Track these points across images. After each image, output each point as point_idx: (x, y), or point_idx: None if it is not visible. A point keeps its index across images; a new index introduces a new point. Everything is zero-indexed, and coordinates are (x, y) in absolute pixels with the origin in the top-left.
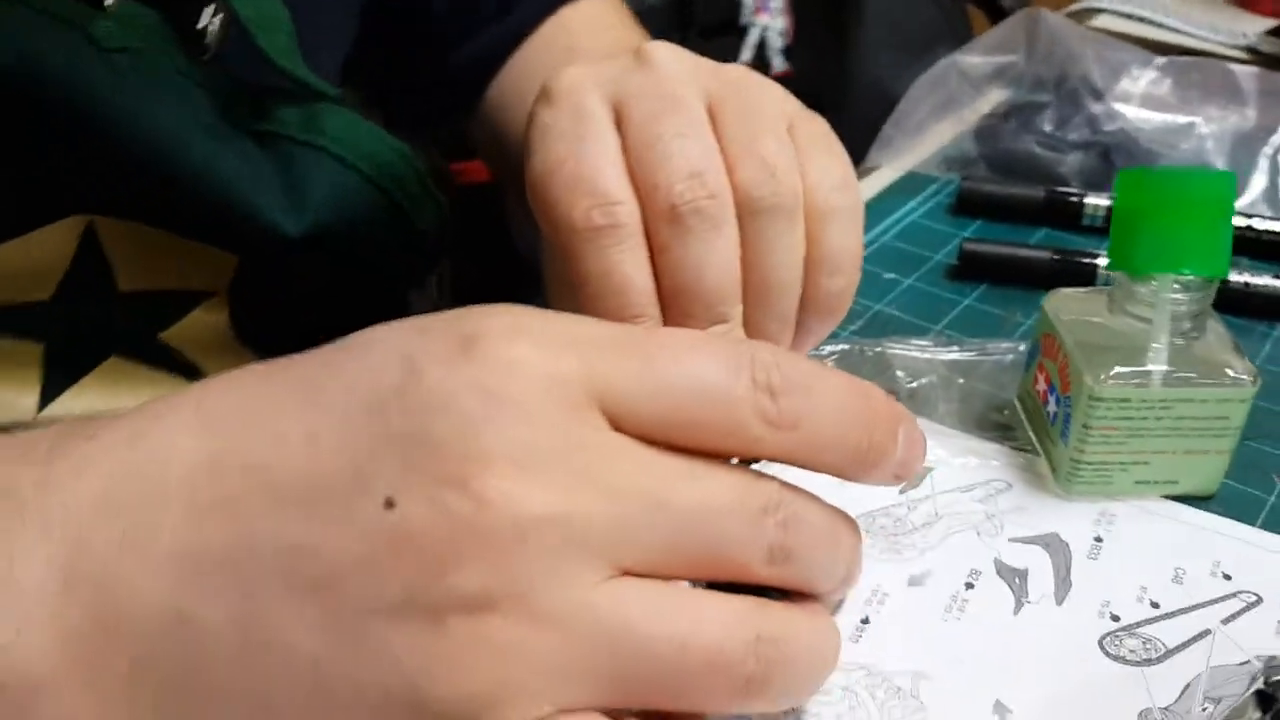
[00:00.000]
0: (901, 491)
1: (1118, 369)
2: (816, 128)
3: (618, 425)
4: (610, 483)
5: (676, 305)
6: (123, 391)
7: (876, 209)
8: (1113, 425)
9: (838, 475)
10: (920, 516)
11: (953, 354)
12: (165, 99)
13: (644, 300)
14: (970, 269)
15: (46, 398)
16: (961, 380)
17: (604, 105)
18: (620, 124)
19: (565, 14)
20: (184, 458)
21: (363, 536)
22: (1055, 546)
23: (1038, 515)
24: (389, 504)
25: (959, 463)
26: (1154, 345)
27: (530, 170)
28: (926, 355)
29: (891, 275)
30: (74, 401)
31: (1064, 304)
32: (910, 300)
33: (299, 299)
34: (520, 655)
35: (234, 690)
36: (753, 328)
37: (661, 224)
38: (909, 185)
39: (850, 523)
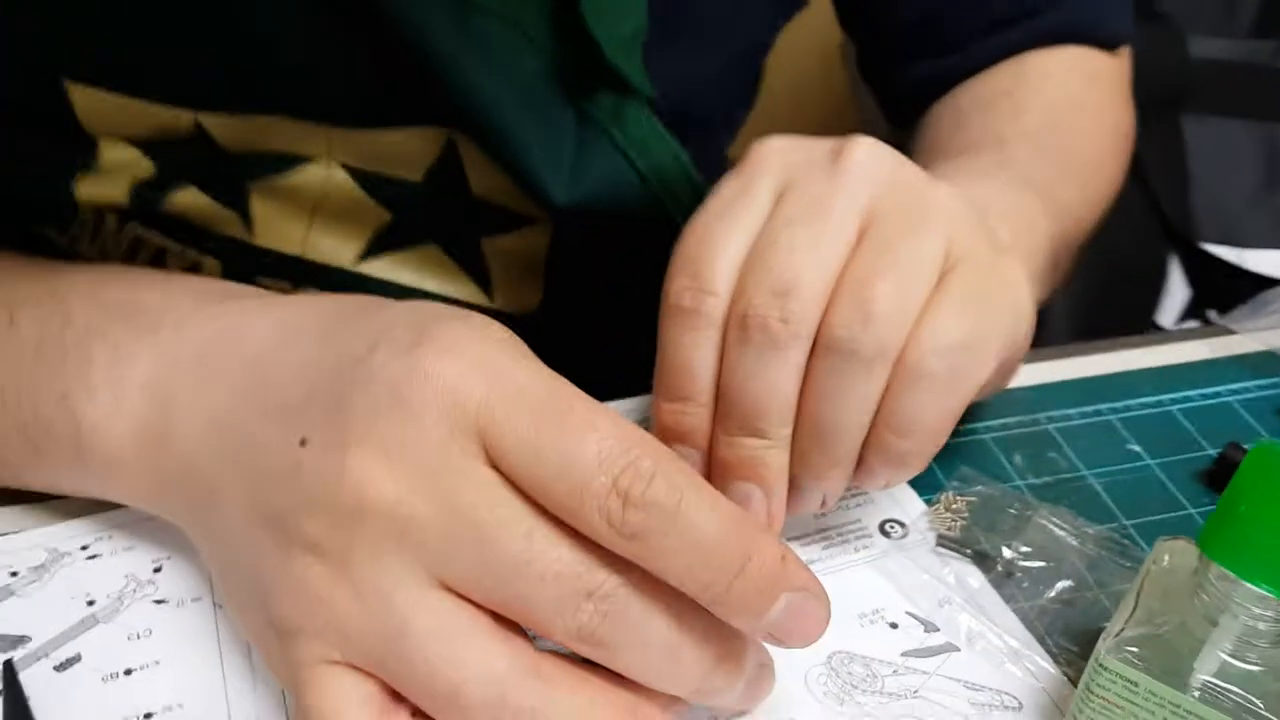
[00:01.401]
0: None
1: (1139, 648)
2: (970, 281)
3: (494, 463)
4: (455, 503)
5: (721, 405)
6: (426, 275)
7: (1187, 374)
8: (1115, 703)
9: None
10: (898, 685)
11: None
12: (498, 59)
13: (696, 388)
14: (1224, 477)
15: (367, 254)
16: (1073, 585)
17: (771, 191)
18: (772, 213)
19: (1030, 60)
20: (243, 352)
21: (281, 454)
22: None
23: None
24: (302, 441)
25: (986, 651)
26: (1205, 650)
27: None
28: (1072, 541)
29: (1136, 448)
30: (382, 266)
31: (1177, 553)
32: (1132, 484)
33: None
34: (324, 606)
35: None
36: (800, 456)
37: (733, 326)
38: (1256, 364)
39: (715, 648)
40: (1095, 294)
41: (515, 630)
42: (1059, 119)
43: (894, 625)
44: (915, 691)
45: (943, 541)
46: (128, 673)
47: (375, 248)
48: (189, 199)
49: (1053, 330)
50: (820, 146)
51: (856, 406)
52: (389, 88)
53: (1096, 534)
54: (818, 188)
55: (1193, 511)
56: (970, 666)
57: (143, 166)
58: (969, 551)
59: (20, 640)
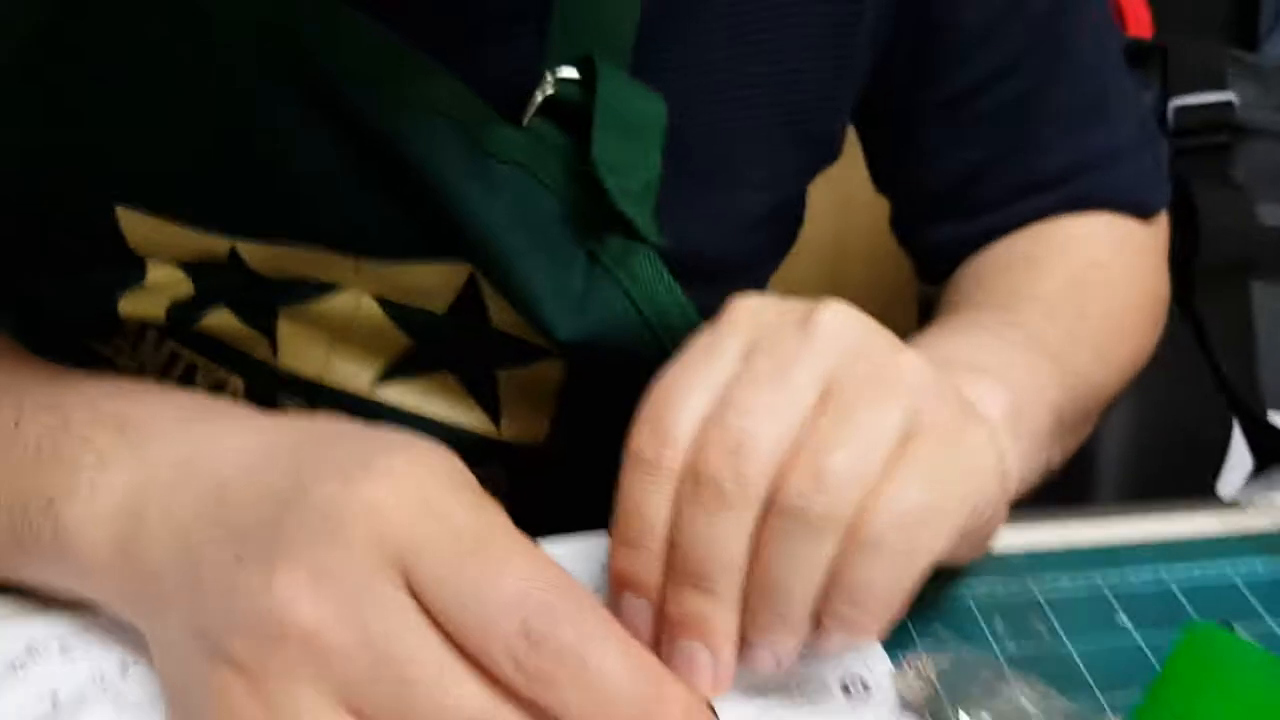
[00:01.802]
0: None
1: None
2: (931, 450)
3: (416, 595)
4: (372, 632)
5: (671, 558)
6: (438, 401)
7: (1192, 549)
8: None
9: None
10: None
11: None
12: (514, 201)
13: (649, 537)
14: None
15: (383, 379)
16: None
17: (739, 349)
18: (737, 373)
19: (1057, 225)
20: (211, 472)
21: (220, 570)
22: None
23: None
24: (237, 559)
25: None
26: None
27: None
28: (1038, 716)
29: (1125, 622)
30: (397, 391)
31: None
32: (1115, 659)
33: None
34: (235, 714)
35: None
36: (751, 614)
37: (686, 481)
38: (1268, 544)
39: None
40: (1156, 460)
41: None
42: (1080, 283)
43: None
44: None
45: (906, 706)
46: None
47: (391, 373)
48: (221, 320)
49: (1105, 493)
50: (791, 309)
51: (806, 570)
52: (411, 223)
53: (1066, 709)
54: (783, 350)
55: None
56: None
57: (183, 288)
58: (930, 718)
59: None
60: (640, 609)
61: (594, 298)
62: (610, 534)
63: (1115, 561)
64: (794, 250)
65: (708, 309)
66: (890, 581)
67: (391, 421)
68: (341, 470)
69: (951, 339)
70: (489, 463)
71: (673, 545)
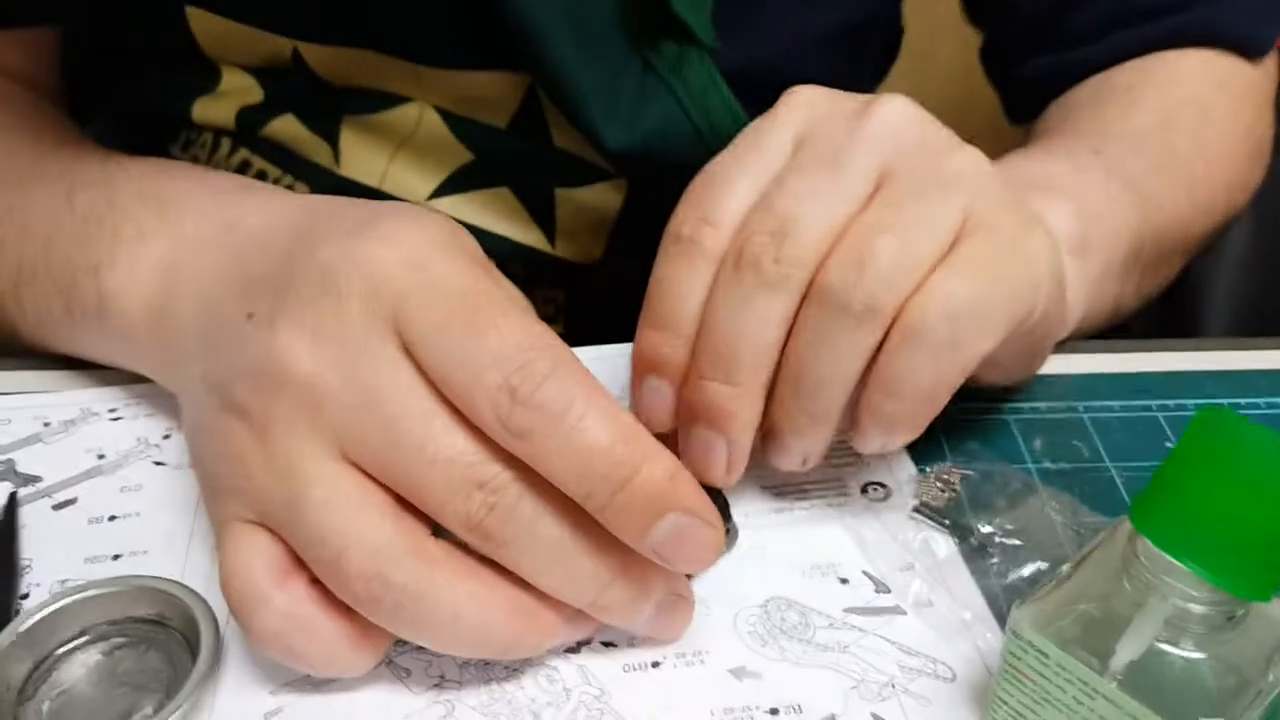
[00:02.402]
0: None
1: (1058, 619)
2: (984, 248)
3: (408, 350)
4: (365, 383)
5: (699, 343)
6: (493, 216)
7: (1259, 381)
8: (1028, 676)
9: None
10: (830, 638)
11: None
12: (569, 11)
13: (678, 319)
14: None
15: (441, 191)
16: (1047, 567)
17: (791, 138)
18: (792, 157)
19: (1159, 60)
20: (236, 241)
21: (233, 327)
22: None
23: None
24: (249, 316)
25: (934, 620)
26: (1130, 632)
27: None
28: (1064, 528)
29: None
30: (452, 203)
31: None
32: None
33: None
34: (242, 466)
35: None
36: (780, 408)
37: (726, 261)
38: None
39: (612, 562)
40: (1270, 298)
41: (417, 517)
42: (1175, 120)
43: (844, 581)
44: (845, 647)
45: (921, 508)
46: (111, 519)
47: (449, 186)
48: (287, 126)
49: (1214, 329)
50: (848, 99)
51: (841, 360)
52: (469, 28)
53: (1095, 524)
54: (837, 139)
55: None
56: (912, 632)
57: (253, 94)
58: (946, 522)
59: (32, 479)
60: (660, 392)
61: (646, 107)
62: (640, 317)
63: (1175, 390)
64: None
65: None
66: (931, 375)
67: None
68: (345, 232)
69: (1028, 161)
70: (546, 283)
71: (702, 329)
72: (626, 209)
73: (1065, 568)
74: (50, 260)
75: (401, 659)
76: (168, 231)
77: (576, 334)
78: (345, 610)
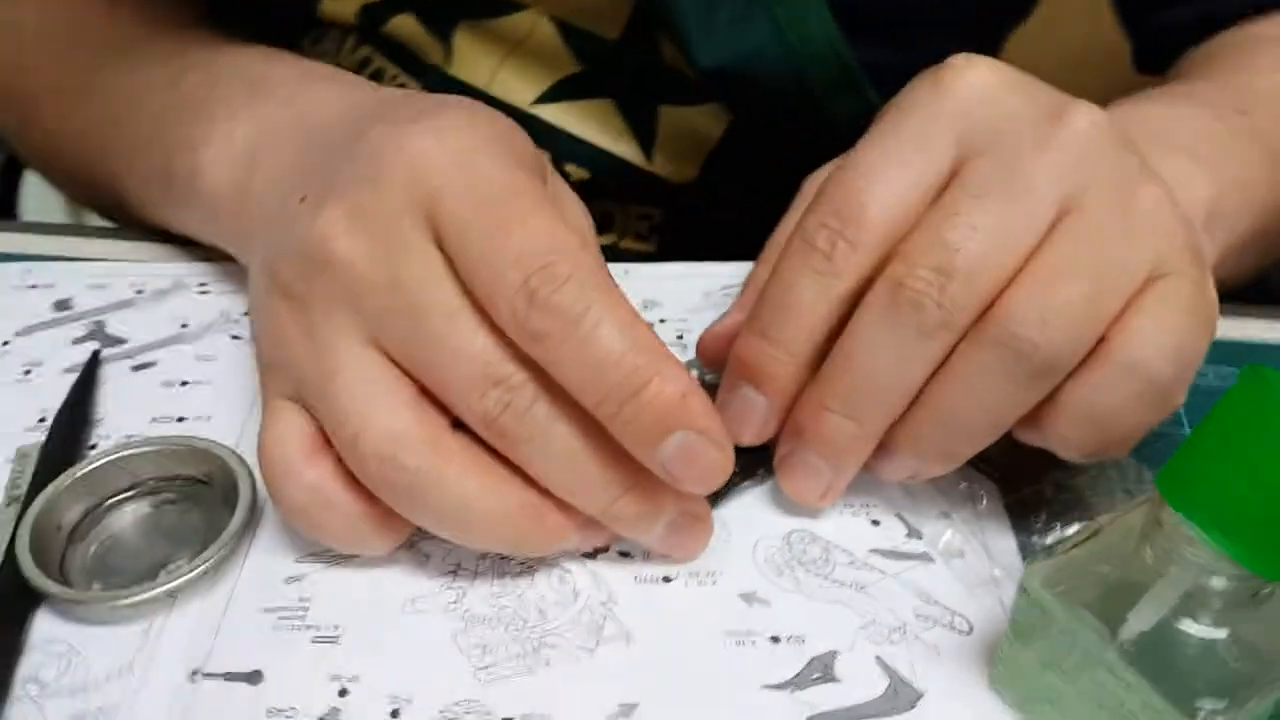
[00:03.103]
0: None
1: (1069, 579)
2: (1180, 297)
3: (440, 243)
4: (396, 273)
5: (827, 367)
6: (593, 126)
7: None
8: (1032, 633)
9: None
10: (848, 575)
11: None
12: None
13: (793, 337)
14: None
15: (545, 98)
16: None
17: (955, 142)
18: (958, 165)
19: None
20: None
21: (288, 208)
22: None
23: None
24: (302, 199)
25: (962, 571)
26: (1144, 602)
27: None
28: (1123, 492)
29: None
30: (554, 110)
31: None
32: None
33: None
34: (285, 344)
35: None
36: (912, 432)
37: (880, 288)
38: None
39: (624, 473)
40: None
41: (441, 411)
42: None
43: (876, 522)
44: (863, 587)
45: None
46: (184, 384)
47: (554, 94)
48: (406, 24)
49: None
50: (1033, 101)
51: (1003, 409)
52: None
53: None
54: (1023, 155)
55: None
56: (935, 581)
57: None
58: (997, 473)
59: (119, 341)
60: (755, 405)
61: (746, 27)
62: (750, 314)
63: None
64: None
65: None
66: (1143, 416)
67: (547, 137)
68: (395, 121)
69: (1170, 109)
70: (641, 200)
71: (837, 356)
72: (729, 133)
73: (1091, 525)
74: (156, 136)
75: (424, 544)
76: (255, 114)
77: (670, 253)
78: (368, 492)
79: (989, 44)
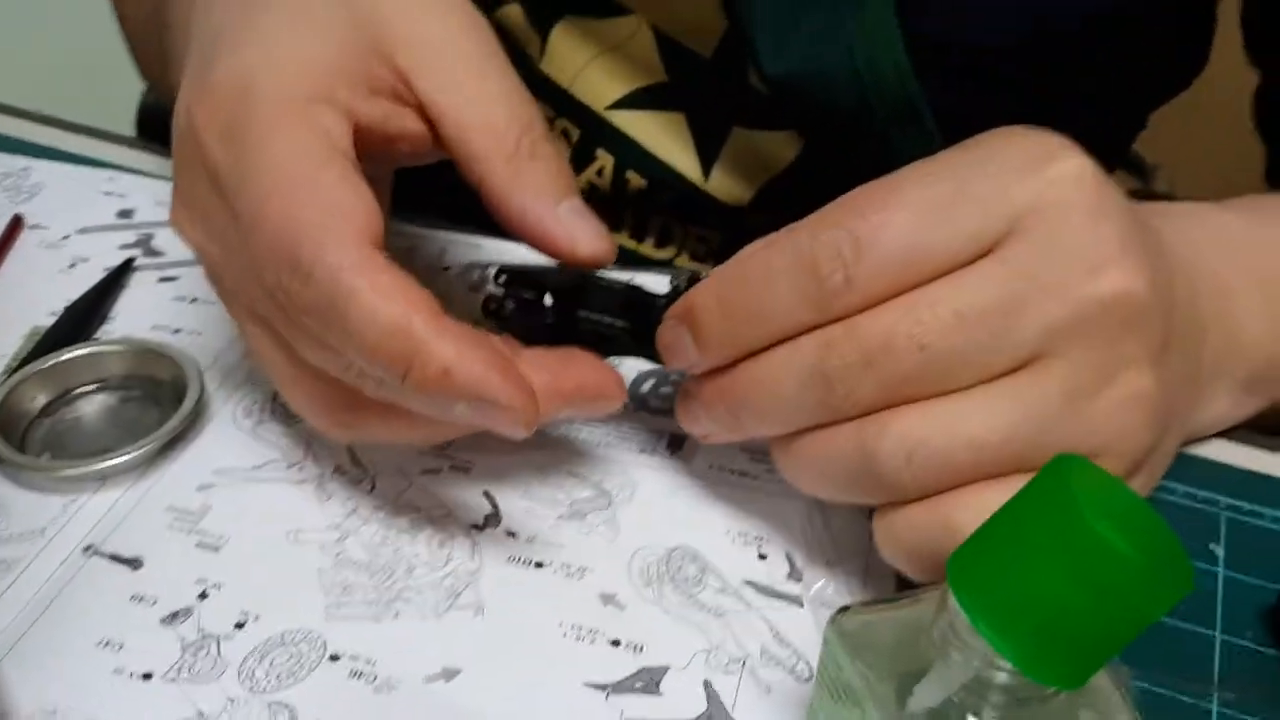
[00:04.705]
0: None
1: (866, 635)
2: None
3: None
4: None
5: (742, 374)
6: (659, 136)
7: None
8: (829, 686)
9: None
10: (713, 600)
11: None
12: None
13: (746, 338)
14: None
15: (619, 104)
16: None
17: (1003, 228)
18: (990, 249)
19: None
20: None
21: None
22: None
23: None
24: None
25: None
26: (927, 680)
27: None
28: None
29: (1218, 550)
30: (627, 116)
31: None
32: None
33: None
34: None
35: None
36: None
37: (813, 342)
38: None
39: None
40: None
41: None
42: None
43: (763, 556)
44: (722, 614)
45: None
46: (194, 300)
47: (632, 100)
48: (512, 13)
49: None
50: (1088, 241)
51: (831, 480)
52: None
53: None
54: (1031, 299)
55: (1216, 635)
56: (794, 625)
57: None
58: None
59: (157, 254)
60: (687, 352)
61: (816, 40)
62: (711, 283)
63: (1241, 489)
64: None
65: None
66: None
67: (614, 141)
68: (206, 60)
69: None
70: (702, 222)
71: (755, 365)
72: (795, 161)
73: (914, 592)
74: None
75: (331, 484)
76: None
77: None
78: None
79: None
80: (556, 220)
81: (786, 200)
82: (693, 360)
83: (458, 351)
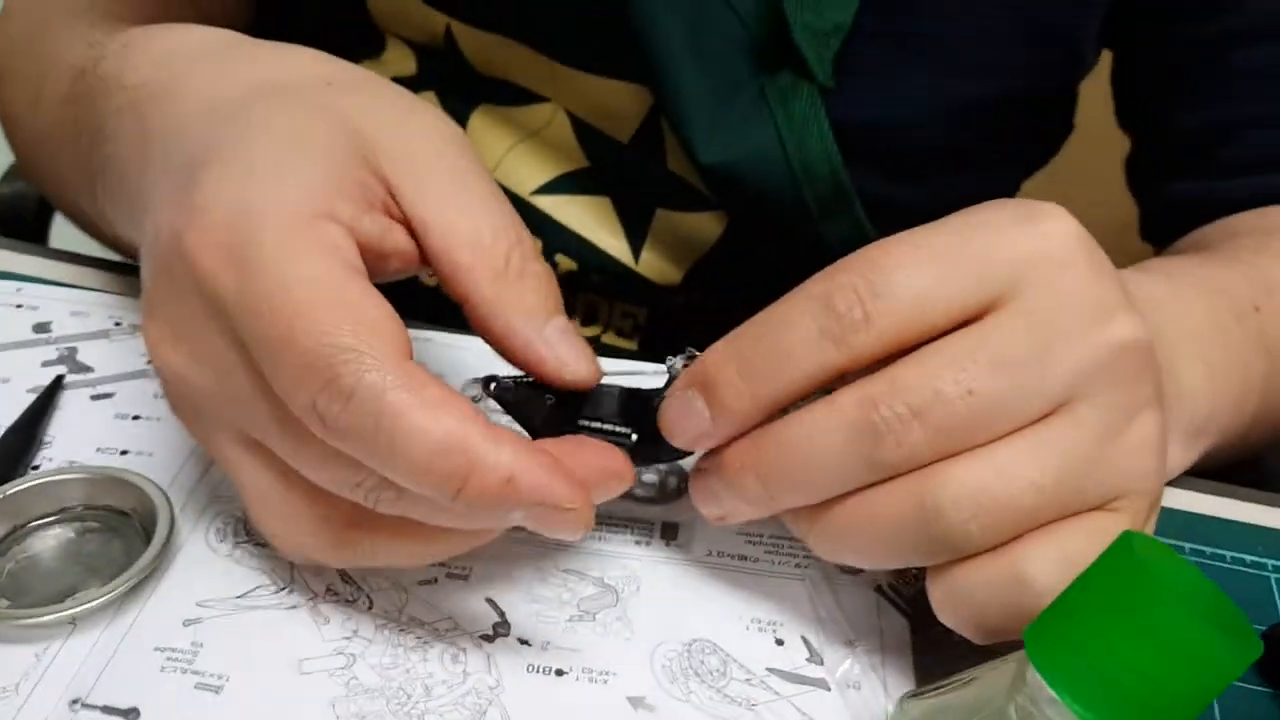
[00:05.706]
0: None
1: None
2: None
3: None
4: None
5: (770, 437)
6: (587, 221)
7: None
8: None
9: None
10: (740, 692)
11: None
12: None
13: (771, 396)
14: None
15: (543, 189)
16: None
17: (1007, 280)
18: (998, 304)
19: None
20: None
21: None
22: None
23: None
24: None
25: (857, 704)
26: None
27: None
28: None
29: None
30: (552, 201)
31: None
32: None
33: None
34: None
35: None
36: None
37: (851, 399)
38: None
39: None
40: None
41: None
42: None
43: (780, 642)
44: (753, 705)
45: (888, 589)
46: (135, 418)
47: (556, 186)
48: (426, 100)
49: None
50: (1094, 291)
51: (888, 544)
52: (601, 30)
53: None
54: (1054, 347)
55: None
56: (826, 709)
57: (407, 64)
58: (909, 610)
59: (85, 369)
60: (700, 422)
61: (748, 130)
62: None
63: (1223, 539)
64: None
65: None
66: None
67: (541, 226)
68: (183, 188)
69: (1203, 300)
70: (627, 299)
71: (784, 428)
72: (720, 241)
73: (968, 673)
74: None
75: (325, 606)
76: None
77: (651, 352)
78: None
79: (1005, 190)
80: (545, 343)
81: (714, 278)
82: (705, 430)
83: (516, 458)
